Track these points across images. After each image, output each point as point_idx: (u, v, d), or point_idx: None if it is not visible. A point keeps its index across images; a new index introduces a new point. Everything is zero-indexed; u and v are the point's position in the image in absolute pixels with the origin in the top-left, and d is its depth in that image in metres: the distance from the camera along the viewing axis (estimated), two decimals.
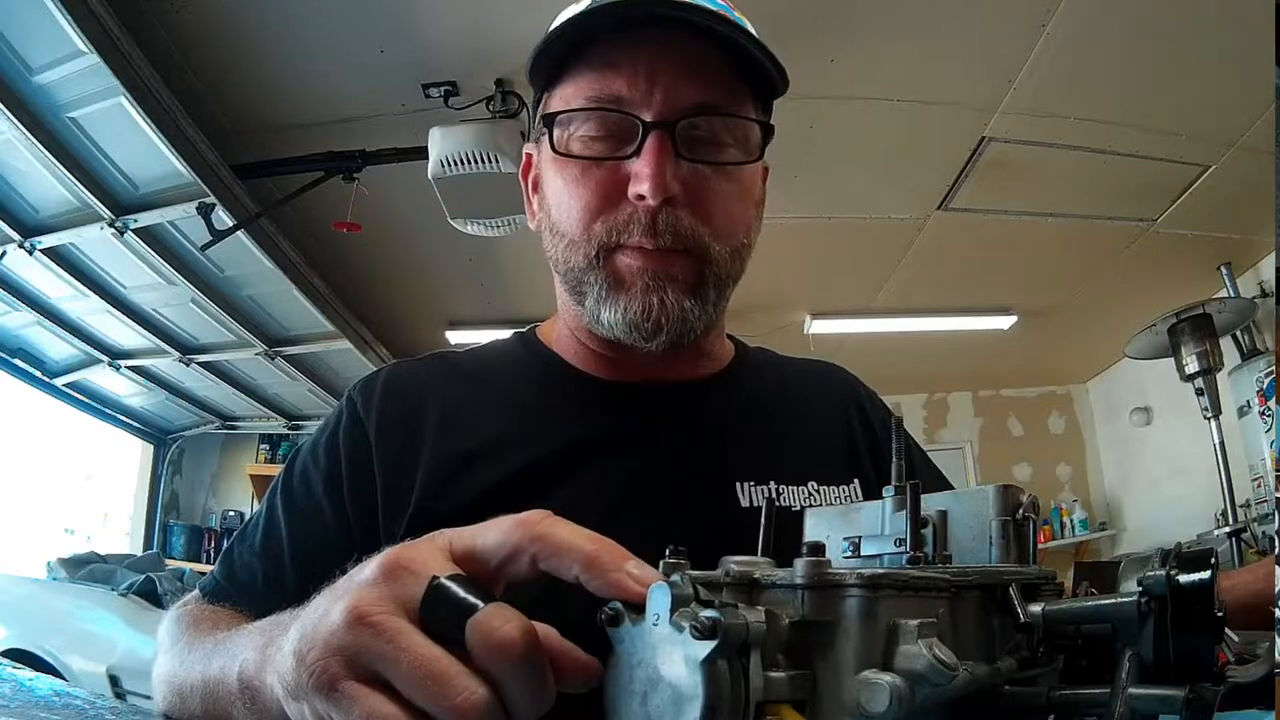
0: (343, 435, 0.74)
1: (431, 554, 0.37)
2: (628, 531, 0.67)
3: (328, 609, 0.36)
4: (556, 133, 0.68)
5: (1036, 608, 0.41)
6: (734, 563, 0.39)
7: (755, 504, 0.71)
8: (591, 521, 0.65)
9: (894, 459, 0.54)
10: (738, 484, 0.72)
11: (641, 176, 0.64)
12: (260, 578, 0.72)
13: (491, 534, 0.38)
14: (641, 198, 0.64)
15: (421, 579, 0.36)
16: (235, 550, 0.76)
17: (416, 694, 0.34)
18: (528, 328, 0.85)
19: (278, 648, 0.40)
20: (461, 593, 0.35)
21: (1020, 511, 0.49)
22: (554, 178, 0.70)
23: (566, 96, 0.68)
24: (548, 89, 0.71)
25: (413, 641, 0.34)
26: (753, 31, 0.68)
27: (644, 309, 0.66)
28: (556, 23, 0.69)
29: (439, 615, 0.35)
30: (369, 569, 0.37)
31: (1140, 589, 0.38)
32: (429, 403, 0.75)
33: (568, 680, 0.36)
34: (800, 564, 0.37)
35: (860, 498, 0.77)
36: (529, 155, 0.79)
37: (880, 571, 0.37)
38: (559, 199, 0.69)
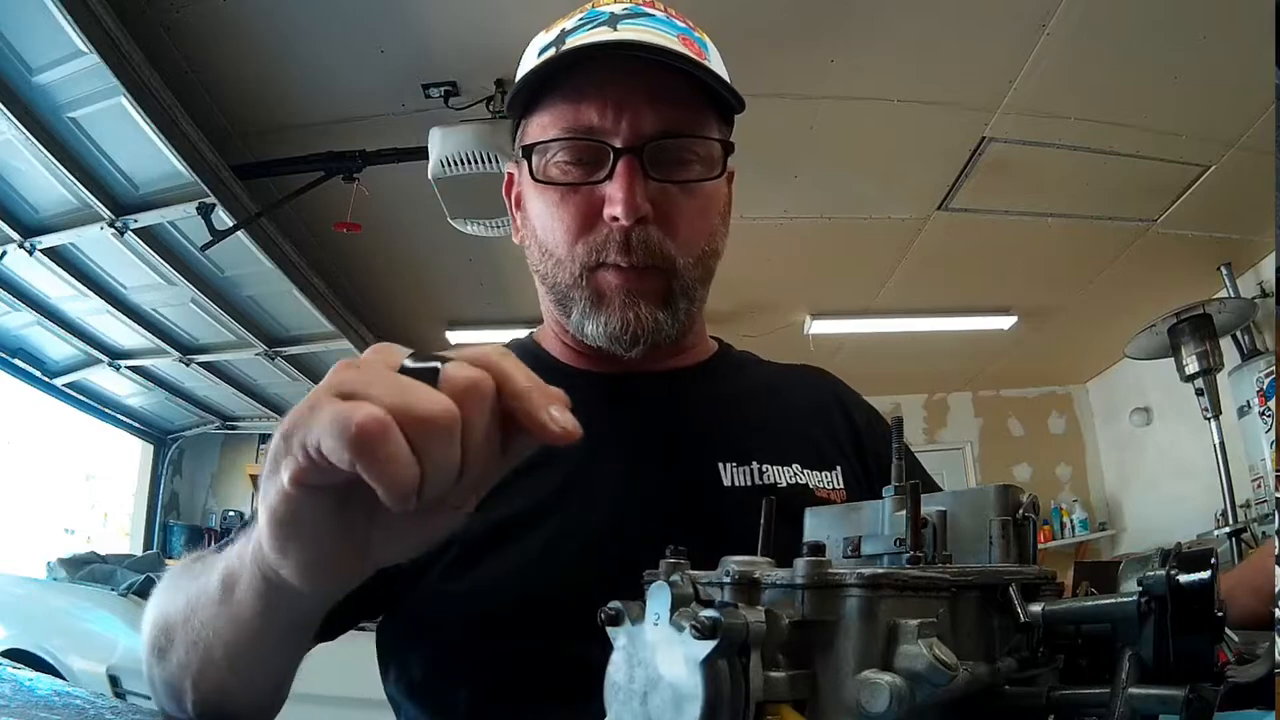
0: None
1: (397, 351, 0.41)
2: (612, 510, 0.71)
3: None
4: (535, 160, 0.74)
5: (1036, 607, 0.41)
6: (734, 562, 0.39)
7: (738, 483, 0.75)
8: (577, 498, 0.72)
9: (894, 459, 0.54)
10: (720, 464, 0.76)
11: (615, 199, 0.70)
12: None
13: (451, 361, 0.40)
14: (615, 218, 0.71)
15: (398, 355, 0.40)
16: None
17: (395, 403, 0.36)
18: (526, 334, 0.92)
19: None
20: (433, 355, 0.40)
21: (1020, 511, 0.49)
22: (536, 201, 0.76)
23: (543, 125, 0.74)
24: (524, 118, 0.77)
25: (392, 376, 0.38)
26: (707, 57, 0.75)
27: (622, 323, 0.73)
28: (530, 55, 0.76)
29: (417, 370, 0.39)
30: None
31: (1140, 589, 0.38)
32: None
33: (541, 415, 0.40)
34: (800, 564, 0.37)
35: (841, 484, 0.80)
36: (511, 174, 0.85)
37: (880, 571, 0.37)
38: (543, 221, 0.76)
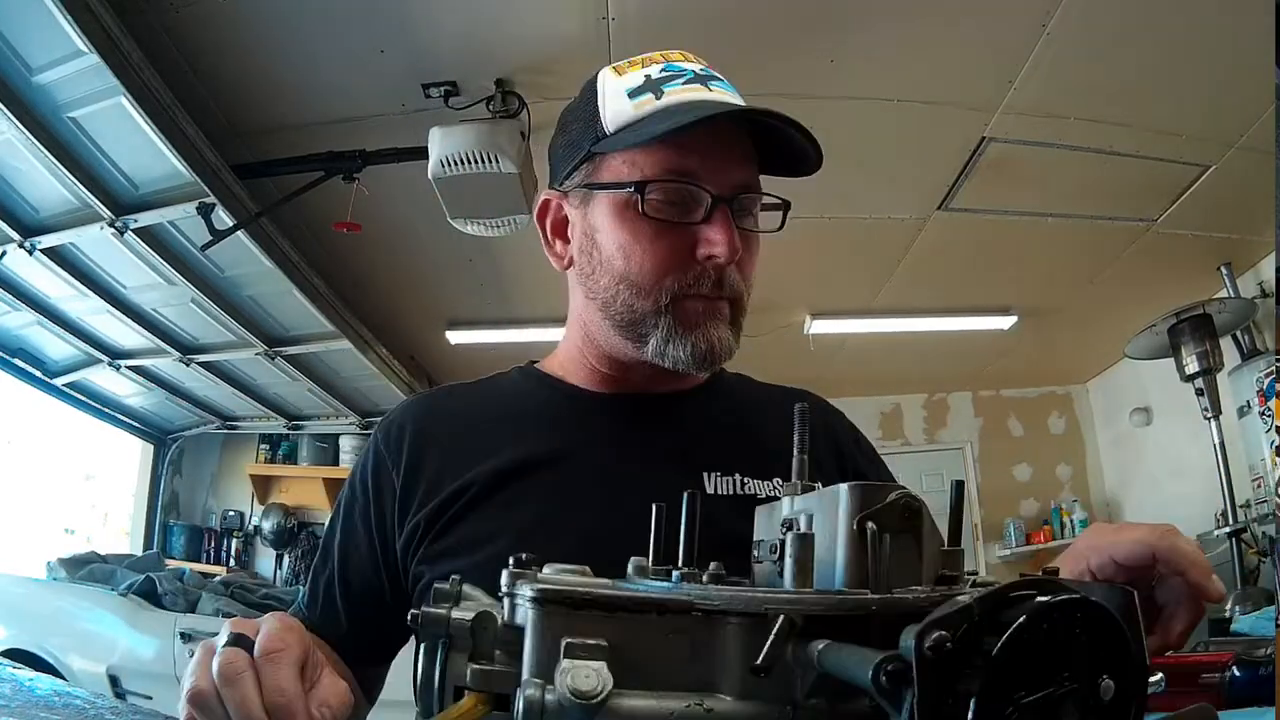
0: (371, 471, 0.90)
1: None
2: (608, 512, 0.80)
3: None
4: (633, 195, 0.80)
5: (820, 645, 0.35)
6: (553, 569, 0.44)
7: (721, 491, 0.84)
8: (576, 501, 0.83)
9: (795, 452, 0.54)
10: (704, 473, 0.85)
11: (717, 241, 0.78)
12: (321, 601, 0.91)
13: None
14: (712, 258, 0.78)
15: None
16: (313, 571, 0.94)
17: None
18: (526, 363, 0.99)
19: None
20: None
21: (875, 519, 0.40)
22: (622, 232, 0.81)
23: (638, 163, 0.80)
24: (599, 152, 0.82)
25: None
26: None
27: (708, 345, 0.81)
28: (618, 95, 0.81)
29: None
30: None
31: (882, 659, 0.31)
32: (440, 429, 0.90)
33: None
34: (505, 574, 0.43)
35: None
36: (549, 200, 0.90)
37: (554, 588, 0.39)
38: (630, 252, 0.81)
